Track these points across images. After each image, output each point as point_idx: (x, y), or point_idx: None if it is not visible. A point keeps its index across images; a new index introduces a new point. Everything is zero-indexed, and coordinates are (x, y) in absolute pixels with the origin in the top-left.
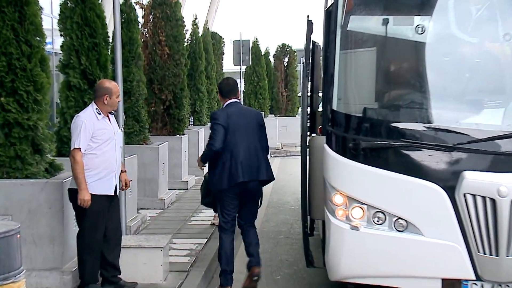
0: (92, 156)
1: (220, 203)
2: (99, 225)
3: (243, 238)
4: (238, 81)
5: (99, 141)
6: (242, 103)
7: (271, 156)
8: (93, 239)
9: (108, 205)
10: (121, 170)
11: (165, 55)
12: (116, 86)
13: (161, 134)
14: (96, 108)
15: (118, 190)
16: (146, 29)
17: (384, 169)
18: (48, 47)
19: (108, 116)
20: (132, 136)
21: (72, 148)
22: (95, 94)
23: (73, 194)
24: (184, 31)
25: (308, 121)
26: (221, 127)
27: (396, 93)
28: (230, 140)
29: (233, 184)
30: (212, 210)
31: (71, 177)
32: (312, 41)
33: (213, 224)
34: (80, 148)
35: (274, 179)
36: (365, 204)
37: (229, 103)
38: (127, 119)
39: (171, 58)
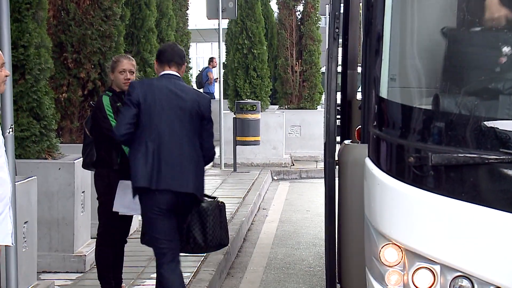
0: None
1: (144, 217)
2: None
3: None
4: (215, 46)
5: None
6: (222, 85)
7: (272, 179)
8: None
9: None
10: None
11: (86, 1)
12: None
13: (80, 140)
14: None
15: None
16: None
17: (472, 202)
18: None
19: None
20: (27, 144)
21: None
22: None
23: None
24: None
25: (339, 117)
26: (131, 105)
27: (495, 69)
28: (147, 126)
29: (155, 186)
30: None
31: None
32: None
33: None
34: None
35: (201, 199)
36: (438, 264)
37: (163, 75)
38: (19, 114)
39: (96, 6)
